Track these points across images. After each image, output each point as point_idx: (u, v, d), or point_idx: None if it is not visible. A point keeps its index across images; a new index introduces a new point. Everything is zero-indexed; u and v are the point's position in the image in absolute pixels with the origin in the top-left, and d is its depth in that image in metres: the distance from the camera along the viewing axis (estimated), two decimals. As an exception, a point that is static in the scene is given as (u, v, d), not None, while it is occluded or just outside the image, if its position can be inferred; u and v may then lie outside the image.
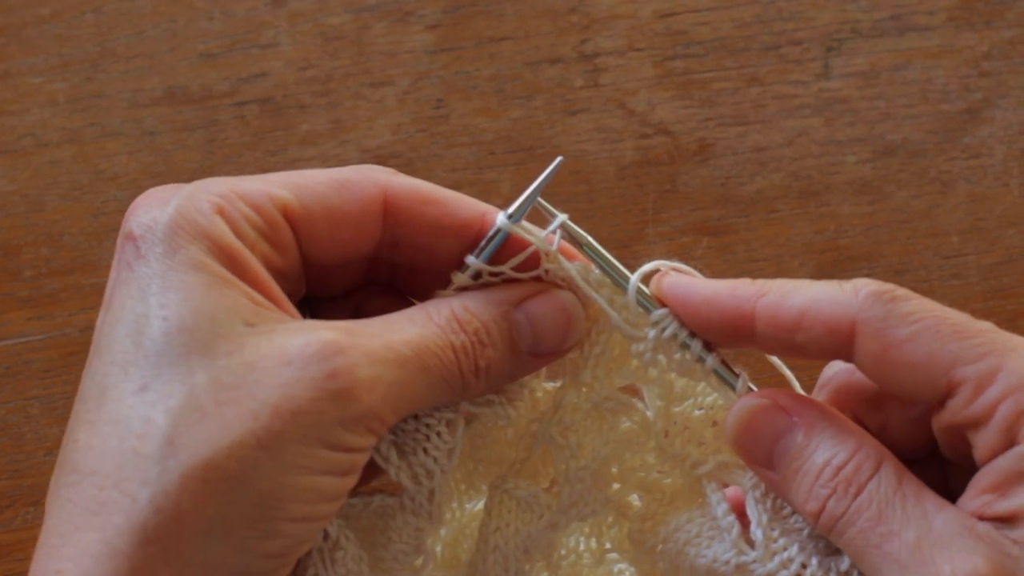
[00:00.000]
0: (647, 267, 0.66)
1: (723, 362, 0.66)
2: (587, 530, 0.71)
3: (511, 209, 0.63)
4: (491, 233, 0.64)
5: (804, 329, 0.63)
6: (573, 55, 0.94)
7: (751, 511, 0.65)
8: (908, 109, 0.94)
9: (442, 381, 0.61)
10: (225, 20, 0.95)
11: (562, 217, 0.65)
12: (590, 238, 0.65)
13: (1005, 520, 0.60)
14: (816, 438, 0.63)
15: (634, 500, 0.70)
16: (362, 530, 0.65)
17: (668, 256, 0.93)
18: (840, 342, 0.62)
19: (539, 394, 0.68)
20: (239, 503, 0.55)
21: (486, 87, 0.94)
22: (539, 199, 0.64)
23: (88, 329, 0.92)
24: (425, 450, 0.64)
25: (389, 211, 0.63)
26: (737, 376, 0.66)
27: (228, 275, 0.58)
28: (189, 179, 0.92)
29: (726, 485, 0.68)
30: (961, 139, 0.94)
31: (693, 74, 0.95)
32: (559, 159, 0.64)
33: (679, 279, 0.66)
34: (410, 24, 0.95)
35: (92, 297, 0.92)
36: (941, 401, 0.62)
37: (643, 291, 0.65)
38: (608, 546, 0.72)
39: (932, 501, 0.61)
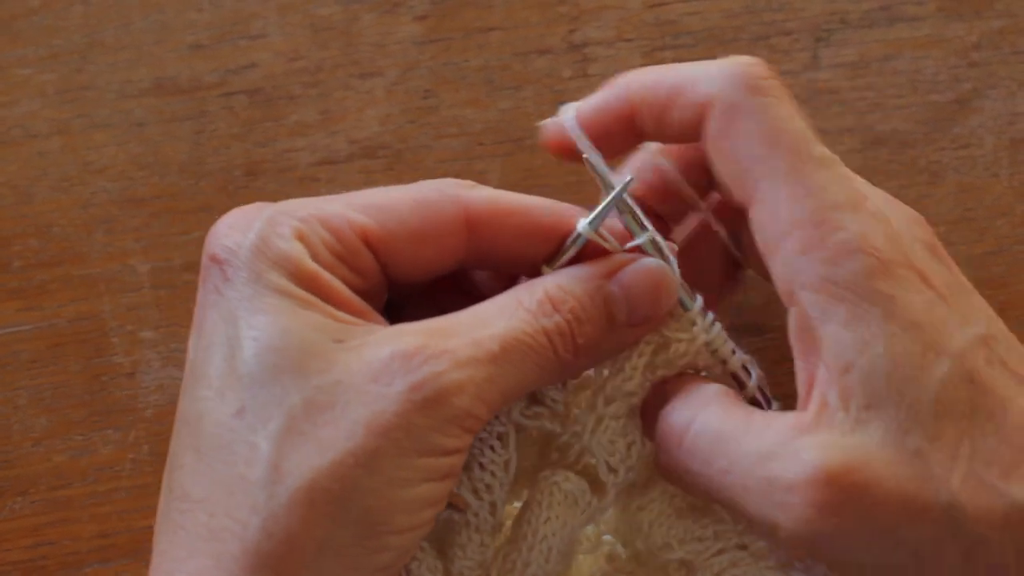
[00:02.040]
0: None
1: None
2: None
3: (591, 216, 0.64)
4: (571, 239, 0.65)
5: (678, 108, 0.64)
6: (562, 46, 0.94)
7: None
8: (897, 100, 0.94)
9: (537, 368, 0.62)
10: (214, 11, 0.95)
11: (650, 232, 0.66)
12: (674, 262, 0.66)
13: (827, 378, 0.60)
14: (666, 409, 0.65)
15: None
16: (434, 541, 0.66)
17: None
18: (697, 120, 0.65)
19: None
20: (346, 522, 0.56)
21: (475, 78, 0.94)
22: (635, 209, 0.65)
23: (77, 320, 0.92)
24: (481, 465, 0.65)
25: (472, 227, 0.64)
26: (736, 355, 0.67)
27: (312, 298, 0.59)
28: (178, 170, 0.93)
29: None
30: (950, 129, 0.94)
31: (682, 64, 0.95)
32: (629, 178, 0.66)
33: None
34: (399, 15, 0.95)
35: (81, 288, 0.92)
36: (746, 208, 0.63)
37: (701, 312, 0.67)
38: (602, 528, 0.72)
39: (761, 420, 0.62)
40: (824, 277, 0.59)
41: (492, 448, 0.64)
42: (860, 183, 0.64)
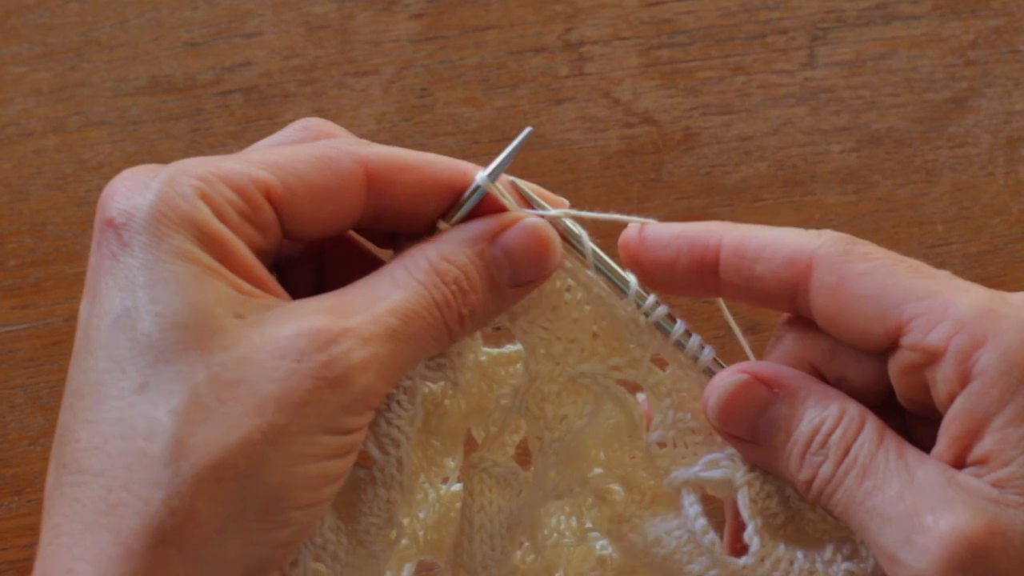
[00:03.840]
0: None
1: (698, 341, 0.66)
2: (567, 509, 0.72)
3: (489, 168, 0.63)
4: (469, 192, 0.64)
5: (765, 260, 0.64)
6: (558, 44, 0.94)
7: (745, 513, 0.65)
8: (893, 98, 0.94)
9: (431, 340, 0.61)
10: (209, 9, 0.95)
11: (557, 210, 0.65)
12: (586, 239, 0.65)
13: (980, 463, 0.60)
14: (800, 407, 0.64)
15: (615, 487, 0.70)
16: (339, 502, 0.65)
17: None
18: (797, 275, 0.64)
19: (483, 358, 0.68)
20: (252, 498, 0.55)
21: (471, 76, 0.94)
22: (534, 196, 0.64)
23: (73, 318, 0.91)
24: (387, 420, 0.64)
25: (371, 183, 0.62)
26: (703, 349, 0.66)
27: (215, 264, 0.58)
28: (173, 168, 0.93)
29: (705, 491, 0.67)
30: (946, 128, 0.94)
31: (678, 63, 0.95)
32: (528, 129, 0.64)
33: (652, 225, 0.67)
34: (394, 13, 0.95)
35: (76, 286, 0.92)
36: (893, 339, 0.62)
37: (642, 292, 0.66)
38: (589, 525, 0.72)
39: (913, 455, 0.62)
40: (999, 369, 0.60)
41: (399, 403, 0.64)
42: None
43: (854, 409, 0.63)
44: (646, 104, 0.95)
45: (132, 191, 0.59)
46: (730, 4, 0.95)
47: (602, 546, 0.73)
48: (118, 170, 0.93)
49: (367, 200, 0.62)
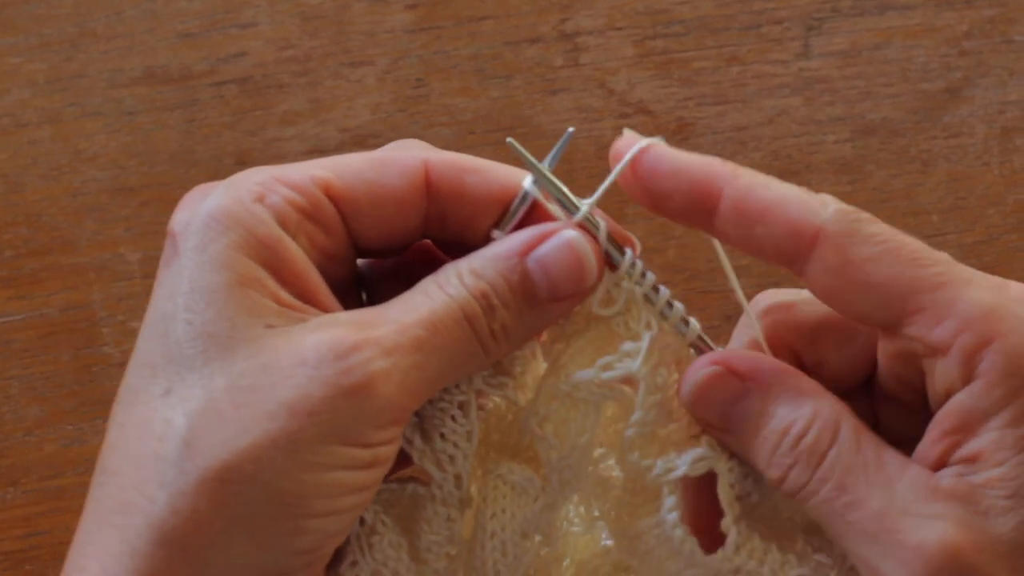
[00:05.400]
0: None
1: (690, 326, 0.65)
2: (576, 498, 0.71)
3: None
4: (518, 199, 0.62)
5: (767, 224, 0.62)
6: (553, 34, 0.94)
7: (724, 500, 0.64)
8: (888, 88, 0.94)
9: (463, 354, 0.60)
10: (204, -1, 0.95)
11: (584, 204, 0.63)
12: (603, 226, 0.64)
13: (969, 461, 0.59)
14: (772, 404, 0.62)
15: (615, 472, 0.69)
16: (401, 517, 0.64)
17: (648, 236, 0.93)
18: (798, 246, 0.61)
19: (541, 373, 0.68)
20: (258, 503, 0.55)
21: (466, 66, 0.94)
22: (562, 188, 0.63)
23: (67, 309, 0.92)
24: (443, 435, 0.63)
25: (431, 183, 0.62)
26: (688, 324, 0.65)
27: (257, 272, 0.58)
28: (168, 159, 0.93)
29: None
30: (941, 118, 0.94)
31: (673, 53, 0.95)
32: (570, 130, 0.64)
33: (654, 149, 0.63)
34: (389, 4, 0.95)
35: (71, 277, 0.92)
36: (893, 326, 0.62)
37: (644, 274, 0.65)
38: (596, 514, 0.71)
39: (893, 463, 0.60)
40: (1004, 371, 0.59)
41: (453, 418, 0.62)
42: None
43: (828, 410, 0.61)
44: (641, 94, 0.95)
45: (193, 200, 0.59)
46: (725, -6, 0.95)
47: (606, 535, 0.73)
48: (113, 160, 0.94)
49: (429, 201, 0.62)
